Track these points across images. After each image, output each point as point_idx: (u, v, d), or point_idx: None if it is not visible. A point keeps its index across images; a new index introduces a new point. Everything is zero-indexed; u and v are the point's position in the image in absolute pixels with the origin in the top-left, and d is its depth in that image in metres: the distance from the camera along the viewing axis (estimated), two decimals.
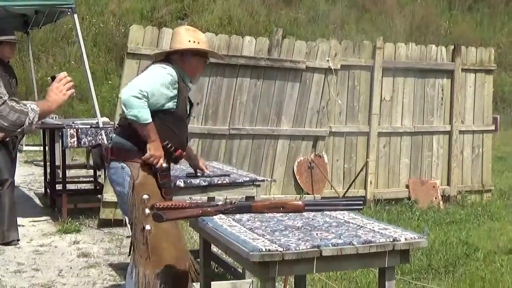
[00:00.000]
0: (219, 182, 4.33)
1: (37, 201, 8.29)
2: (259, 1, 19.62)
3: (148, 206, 3.62)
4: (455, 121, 8.58)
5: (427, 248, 5.60)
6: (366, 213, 7.03)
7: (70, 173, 8.56)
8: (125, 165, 3.74)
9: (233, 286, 4.63)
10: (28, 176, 9.93)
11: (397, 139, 8.36)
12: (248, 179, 4.45)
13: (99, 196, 7.37)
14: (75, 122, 7.32)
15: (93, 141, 6.94)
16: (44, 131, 8.18)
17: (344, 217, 3.07)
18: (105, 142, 6.33)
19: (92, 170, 8.53)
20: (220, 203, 3.20)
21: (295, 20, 19.63)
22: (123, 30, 17.10)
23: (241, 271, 4.70)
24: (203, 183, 4.28)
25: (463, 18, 21.77)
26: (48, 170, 8.03)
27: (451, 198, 8.54)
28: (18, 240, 6.18)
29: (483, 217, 7.71)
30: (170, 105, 3.77)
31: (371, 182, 8.13)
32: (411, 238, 2.67)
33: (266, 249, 2.47)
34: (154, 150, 3.70)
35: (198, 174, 4.38)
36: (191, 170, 4.51)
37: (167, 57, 3.92)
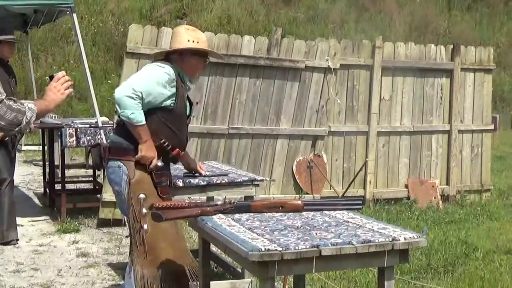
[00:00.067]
0: (218, 181, 4.33)
1: (36, 200, 8.29)
2: (258, 0, 19.62)
3: (144, 206, 3.62)
4: (454, 121, 8.58)
5: (426, 248, 5.61)
6: (365, 212, 7.03)
7: (69, 172, 8.55)
8: (121, 164, 3.74)
9: (232, 285, 4.63)
10: (27, 176, 9.92)
11: (396, 138, 8.36)
12: (247, 178, 4.44)
13: (98, 195, 7.37)
14: (74, 121, 7.32)
15: (92, 141, 6.94)
16: (43, 130, 8.18)
17: (343, 217, 3.07)
18: (104, 141, 6.33)
19: (91, 170, 8.52)
20: (219, 202, 3.20)
21: (294, 19, 19.63)
22: (122, 30, 17.10)
23: (240, 270, 4.70)
24: (202, 183, 4.28)
25: (462, 18, 21.78)
26: (47, 170, 8.03)
27: (450, 197, 8.55)
28: (17, 239, 6.18)
29: (482, 216, 7.71)
30: (168, 103, 3.76)
31: (370, 182, 8.13)
32: (410, 237, 2.67)
33: (265, 249, 2.46)
34: (146, 151, 3.70)
35: (196, 174, 4.38)
36: None
37: (167, 57, 3.92)
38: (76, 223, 6.86)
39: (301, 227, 2.83)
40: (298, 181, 7.78)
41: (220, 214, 3.08)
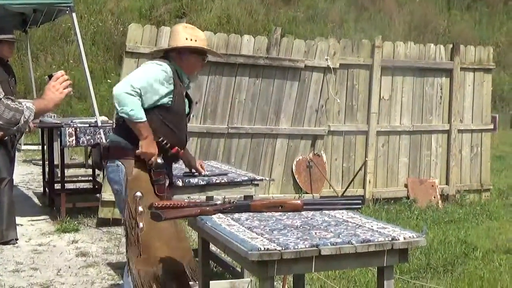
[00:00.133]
0: (218, 181, 4.33)
1: (36, 200, 8.29)
2: (258, 0, 19.61)
3: (140, 204, 3.62)
4: (453, 120, 8.58)
5: (425, 247, 5.61)
6: (364, 212, 7.03)
7: (68, 172, 8.55)
8: (120, 163, 3.74)
9: (231, 285, 4.63)
10: (26, 175, 9.92)
11: (395, 138, 8.36)
12: (246, 178, 4.45)
13: (97, 195, 7.37)
14: (73, 121, 7.32)
15: (92, 140, 6.94)
16: (43, 130, 8.17)
17: (342, 216, 3.07)
18: (104, 141, 6.33)
19: (91, 169, 8.52)
20: (218, 202, 3.20)
21: (294, 19, 19.63)
22: (121, 29, 17.10)
23: (239, 270, 4.70)
24: (202, 182, 4.28)
25: (462, 17, 21.78)
26: (47, 169, 8.03)
27: (450, 197, 8.55)
28: (17, 239, 6.18)
29: (482, 216, 7.72)
30: (166, 101, 3.75)
31: (369, 181, 8.13)
32: (409, 237, 2.67)
33: (264, 248, 2.46)
34: (146, 147, 3.69)
35: (195, 173, 4.37)
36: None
37: (165, 55, 3.92)
38: (76, 222, 6.86)
39: (301, 227, 2.83)
40: (297, 181, 7.78)
41: (219, 214, 3.08)
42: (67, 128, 6.93)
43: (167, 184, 3.85)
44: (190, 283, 3.71)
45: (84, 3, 17.89)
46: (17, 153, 7.34)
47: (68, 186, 8.10)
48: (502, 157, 12.78)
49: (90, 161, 8.67)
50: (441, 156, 8.60)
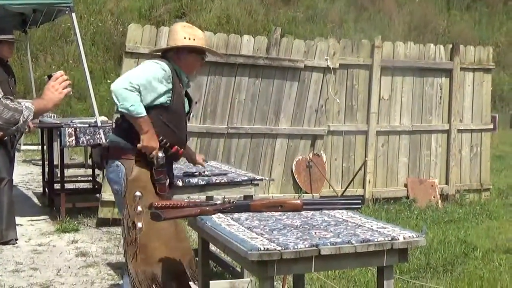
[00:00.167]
0: (218, 181, 4.33)
1: (36, 200, 8.29)
2: (258, 0, 19.62)
3: (140, 204, 3.61)
4: (453, 120, 8.58)
5: (425, 247, 5.61)
6: (364, 212, 7.03)
7: (68, 172, 8.55)
8: (120, 163, 3.73)
9: (231, 285, 4.63)
10: (26, 176, 9.92)
11: (395, 138, 8.36)
12: (246, 178, 4.45)
13: (97, 195, 7.37)
14: (73, 121, 7.32)
15: (92, 140, 6.94)
16: (42, 130, 8.17)
17: (342, 216, 3.07)
18: (103, 141, 6.33)
19: (91, 169, 8.52)
20: (218, 202, 3.20)
21: (294, 19, 19.63)
22: (121, 29, 17.10)
23: (239, 270, 4.70)
24: (201, 182, 4.28)
25: (461, 17, 21.79)
26: (46, 169, 8.03)
27: (450, 197, 8.55)
28: (16, 239, 6.18)
29: (482, 216, 7.72)
30: (164, 100, 3.73)
31: (369, 181, 8.13)
32: (409, 237, 2.67)
33: (264, 248, 2.46)
34: (147, 141, 3.66)
35: (195, 173, 4.37)
36: (189, 170, 4.51)
37: (164, 55, 3.91)
38: (75, 222, 6.86)
39: (300, 227, 2.83)
40: (297, 181, 7.78)
41: (219, 214, 3.08)
42: (66, 128, 6.93)
43: (167, 184, 3.85)
44: (190, 283, 3.71)
45: (83, 3, 17.89)
46: (16, 153, 7.34)
47: (68, 186, 8.10)
48: (501, 156, 12.79)
49: (90, 161, 8.70)
50: (441, 156, 8.60)
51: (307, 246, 2.52)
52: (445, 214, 7.70)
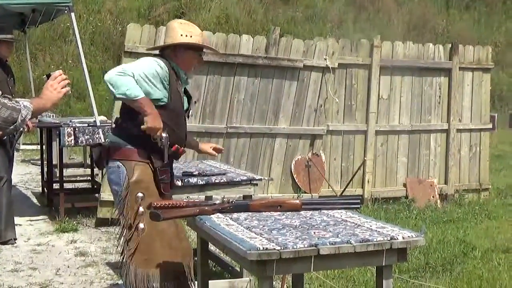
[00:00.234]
0: (217, 181, 4.33)
1: (35, 200, 8.28)
2: None
3: (142, 205, 3.60)
4: (452, 120, 8.58)
5: (424, 247, 5.61)
6: (363, 211, 7.03)
7: (67, 172, 8.55)
8: (121, 164, 3.71)
9: (230, 284, 4.63)
10: (25, 175, 9.91)
11: (394, 137, 8.36)
12: (245, 178, 4.45)
13: (96, 195, 7.36)
14: (72, 120, 7.31)
15: (91, 140, 6.93)
16: (41, 129, 8.17)
17: (341, 216, 3.07)
18: (102, 140, 6.33)
19: (90, 169, 8.52)
20: (217, 202, 3.19)
21: (293, 18, 19.63)
22: (120, 29, 17.10)
23: (238, 269, 4.70)
24: (201, 182, 4.28)
25: (460, 17, 21.80)
26: (45, 169, 8.02)
27: (449, 196, 8.55)
28: (15, 239, 6.18)
29: (481, 215, 7.72)
30: (160, 96, 3.68)
31: (368, 181, 8.13)
32: (408, 236, 2.67)
33: (263, 248, 2.46)
34: (151, 122, 3.56)
35: (194, 172, 4.37)
36: (188, 169, 4.51)
37: (161, 52, 3.89)
38: (74, 222, 6.86)
39: (300, 226, 2.83)
40: (296, 180, 7.77)
41: (218, 213, 3.08)
42: (65, 128, 6.92)
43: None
44: (189, 283, 3.71)
45: (82, 3, 17.87)
46: (15, 153, 7.33)
47: (67, 186, 8.09)
48: (500, 156, 12.79)
49: (88, 161, 8.69)
50: (440, 156, 8.60)
51: (306, 245, 2.52)
52: (444, 214, 7.70)
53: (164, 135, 3.65)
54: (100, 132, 6.83)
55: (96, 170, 8.27)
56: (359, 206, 3.28)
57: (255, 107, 7.51)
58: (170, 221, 3.42)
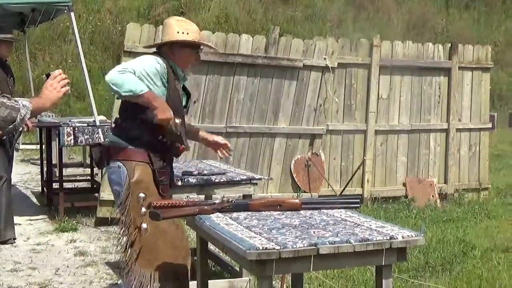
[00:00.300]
0: (216, 180, 4.33)
1: (34, 199, 8.28)
2: None
3: (144, 205, 3.59)
4: (452, 119, 8.58)
5: (424, 246, 5.61)
6: (363, 211, 7.03)
7: (67, 171, 8.54)
8: (121, 164, 3.70)
9: (230, 284, 4.63)
10: (24, 175, 9.91)
11: (394, 137, 8.36)
12: (245, 177, 4.45)
13: (96, 194, 7.36)
14: (72, 120, 7.31)
15: (90, 140, 6.93)
16: (41, 129, 8.17)
17: (341, 215, 3.07)
18: (102, 140, 6.32)
19: (89, 169, 8.51)
20: (217, 201, 3.19)
21: (292, 18, 19.63)
22: (119, 28, 17.09)
23: (238, 269, 4.70)
24: (200, 182, 4.28)
25: (460, 16, 21.80)
26: (45, 169, 8.02)
27: (448, 196, 8.55)
28: (15, 238, 6.18)
29: (480, 215, 7.72)
30: (159, 93, 3.65)
31: (368, 180, 8.13)
32: (408, 236, 2.67)
33: (263, 247, 2.46)
34: (162, 114, 3.53)
35: (194, 172, 4.37)
36: (188, 169, 4.51)
37: (159, 50, 3.88)
38: (74, 222, 6.86)
39: (299, 226, 2.83)
40: (296, 180, 7.77)
41: (218, 213, 3.08)
42: (65, 128, 6.92)
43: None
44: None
45: (82, 3, 17.87)
46: (15, 153, 7.33)
47: (66, 185, 8.09)
48: (500, 155, 12.80)
49: (88, 160, 8.69)
50: (440, 155, 8.60)
51: (305, 245, 2.52)
52: (443, 213, 7.71)
53: (177, 121, 3.63)
54: (100, 132, 6.83)
55: (95, 169, 8.28)
56: (358, 205, 3.28)
57: (254, 106, 7.51)
58: (170, 221, 3.42)
